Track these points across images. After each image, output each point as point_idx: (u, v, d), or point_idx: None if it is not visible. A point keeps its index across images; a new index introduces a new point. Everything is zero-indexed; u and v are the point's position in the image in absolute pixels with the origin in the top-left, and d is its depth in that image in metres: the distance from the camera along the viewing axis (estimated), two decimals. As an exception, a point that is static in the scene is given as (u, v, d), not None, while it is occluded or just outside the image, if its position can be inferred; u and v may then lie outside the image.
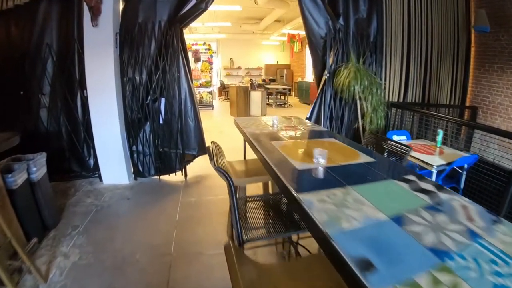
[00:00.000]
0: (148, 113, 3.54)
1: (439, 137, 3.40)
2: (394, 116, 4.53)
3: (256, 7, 9.40)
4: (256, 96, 8.77)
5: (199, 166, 4.08)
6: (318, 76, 4.26)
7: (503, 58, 4.81)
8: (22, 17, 3.45)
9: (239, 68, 15.35)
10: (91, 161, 3.86)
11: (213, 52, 10.93)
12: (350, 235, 0.93)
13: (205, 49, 10.49)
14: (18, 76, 3.49)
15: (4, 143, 2.47)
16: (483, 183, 3.22)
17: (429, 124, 4.62)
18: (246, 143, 2.53)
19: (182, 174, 3.85)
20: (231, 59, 15.15)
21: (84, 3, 3.17)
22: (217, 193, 3.46)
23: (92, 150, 3.76)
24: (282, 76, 15.07)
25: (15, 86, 3.50)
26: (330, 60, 4.05)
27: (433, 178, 2.86)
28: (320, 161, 1.56)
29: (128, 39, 3.40)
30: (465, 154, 3.17)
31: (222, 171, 1.42)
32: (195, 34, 12.53)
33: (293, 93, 14.47)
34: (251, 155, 2.50)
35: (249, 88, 8.95)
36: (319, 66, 4.21)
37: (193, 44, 10.37)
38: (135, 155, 3.75)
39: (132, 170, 3.85)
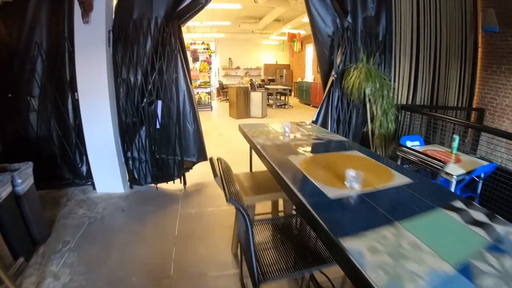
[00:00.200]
0: (143, 117, 3.28)
1: (455, 143, 3.20)
2: (403, 119, 4.31)
3: (256, 6, 9.19)
4: (256, 97, 8.52)
5: (199, 172, 3.83)
6: (325, 76, 4.02)
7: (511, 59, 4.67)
8: (10, 14, 3.19)
9: (238, 68, 15.11)
10: (84, 168, 3.60)
11: (212, 52, 10.67)
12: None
13: (204, 49, 10.22)
14: (5, 77, 3.24)
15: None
16: (500, 191, 3.03)
17: (437, 127, 4.45)
18: (253, 152, 2.29)
19: (180, 182, 3.59)
20: (229, 59, 14.90)
21: (75, -2, 2.92)
22: (219, 204, 3.20)
23: (84, 157, 3.51)
24: (281, 76, 14.85)
25: (2, 87, 3.25)
26: (338, 60, 3.81)
27: (452, 188, 2.66)
28: (354, 186, 1.30)
29: (122, 37, 3.14)
30: (484, 162, 2.98)
31: (239, 207, 1.16)
32: (193, 33, 12.32)
33: (292, 93, 14.24)
34: (257, 165, 2.27)
35: (249, 89, 8.70)
36: (326, 66, 3.97)
37: (191, 44, 10.11)
38: (130, 162, 3.50)
39: (128, 177, 3.59)
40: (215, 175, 1.54)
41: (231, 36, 13.17)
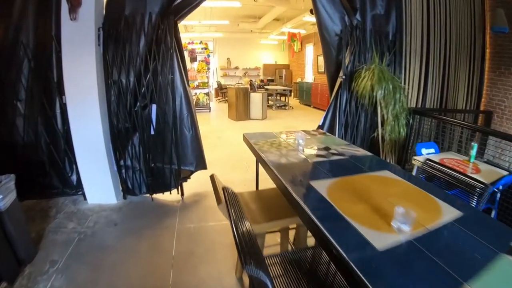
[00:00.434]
0: (137, 122, 3.00)
1: (473, 152, 2.97)
2: (415, 124, 4.07)
3: (255, 5, 8.96)
4: (256, 98, 8.25)
5: (197, 180, 3.55)
6: (332, 78, 3.76)
7: (521, 60, 4.50)
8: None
9: (236, 68, 14.85)
10: (74, 177, 3.34)
11: (210, 52, 10.40)
12: None
13: (202, 48, 9.94)
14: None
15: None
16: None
17: (446, 131, 4.25)
18: (260, 166, 2.02)
19: (178, 193, 3.32)
20: (228, 59, 14.64)
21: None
22: (220, 218, 2.92)
23: (74, 165, 3.24)
24: (281, 76, 14.61)
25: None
26: (347, 60, 3.55)
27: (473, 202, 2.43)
28: (404, 229, 1.02)
29: (113, 35, 2.87)
30: (504, 172, 2.75)
31: (260, 275, 0.86)
32: (191, 33, 12.06)
33: (292, 94, 13.99)
34: (263, 178, 2.01)
35: (249, 90, 8.43)
36: (333, 66, 3.72)
37: (189, 43, 9.83)
38: (124, 171, 3.22)
39: (121, 187, 3.32)
40: (218, 201, 1.27)
41: (229, 36, 12.93)
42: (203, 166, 3.26)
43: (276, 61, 15.43)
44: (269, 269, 1.35)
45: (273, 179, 1.67)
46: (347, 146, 2.26)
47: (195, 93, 10.46)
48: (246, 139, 2.44)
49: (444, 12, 4.19)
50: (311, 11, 8.64)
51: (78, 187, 3.33)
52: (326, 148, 2.15)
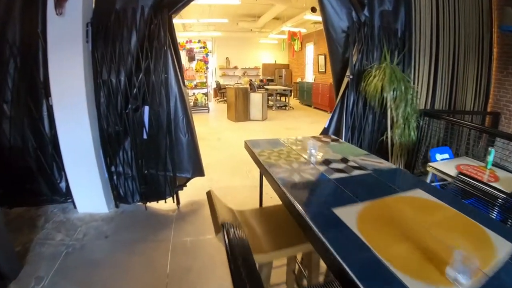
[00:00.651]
0: (128, 126, 2.77)
1: (491, 157, 2.78)
2: (424, 126, 3.87)
3: (255, 3, 8.77)
4: (256, 99, 8.02)
5: (194, 187, 3.33)
6: (338, 77, 3.54)
7: (529, 60, 4.32)
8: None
9: (235, 68, 14.62)
10: (63, 184, 3.11)
11: (209, 51, 10.17)
12: None
13: (200, 47, 9.71)
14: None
15: None
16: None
17: (454, 132, 4.07)
18: (264, 179, 1.79)
19: (173, 202, 3.08)
20: (227, 58, 14.41)
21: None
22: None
23: (63, 172, 3.01)
24: (280, 76, 14.39)
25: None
26: (354, 59, 3.33)
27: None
28: (462, 281, 0.77)
29: (102, 31, 2.64)
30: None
31: None
32: (189, 32, 11.84)
33: (292, 94, 13.77)
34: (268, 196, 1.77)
35: (249, 90, 8.20)
36: (339, 65, 3.50)
37: (187, 42, 9.60)
38: (115, 178, 2.99)
39: (113, 195, 3.09)
40: (216, 230, 1.05)
41: (228, 35, 12.72)
42: (200, 173, 3.03)
43: (275, 61, 15.21)
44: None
45: (285, 204, 1.39)
46: (366, 156, 1.96)
47: (193, 93, 10.22)
48: (248, 147, 2.16)
49: (453, 9, 3.99)
50: (312, 9, 8.43)
51: (67, 195, 3.11)
52: (344, 160, 1.85)
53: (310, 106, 11.01)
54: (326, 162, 1.81)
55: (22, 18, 2.75)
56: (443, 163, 2.95)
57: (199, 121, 8.28)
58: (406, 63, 3.57)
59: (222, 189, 3.53)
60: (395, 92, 3.03)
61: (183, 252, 2.43)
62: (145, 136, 2.75)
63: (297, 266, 1.77)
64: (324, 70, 11.28)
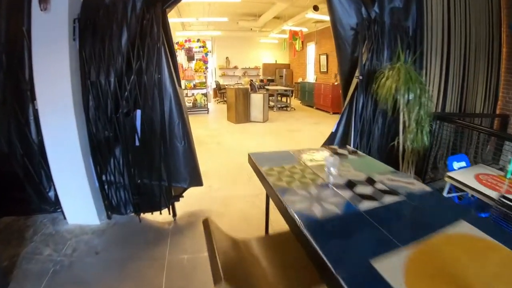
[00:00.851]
0: (119, 131, 2.53)
1: (511, 166, 2.57)
2: (437, 131, 3.65)
3: (256, 2, 8.55)
4: (257, 100, 7.78)
5: (192, 195, 3.09)
6: (346, 78, 3.31)
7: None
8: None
9: (235, 67, 14.38)
10: (52, 194, 2.89)
11: (208, 51, 9.93)
12: None
13: (199, 47, 9.47)
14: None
15: None
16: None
17: (464, 136, 3.87)
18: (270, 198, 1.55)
19: (169, 213, 2.84)
20: (227, 58, 14.17)
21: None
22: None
23: (52, 180, 2.79)
24: (281, 76, 14.17)
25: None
26: (364, 58, 3.10)
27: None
28: None
29: (90, 28, 2.40)
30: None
31: None
32: (188, 31, 11.63)
33: (293, 94, 13.54)
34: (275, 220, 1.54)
35: (249, 90, 7.96)
36: (347, 65, 3.26)
37: (186, 41, 9.36)
38: (106, 187, 2.76)
39: (105, 205, 2.86)
40: (216, 280, 0.82)
41: (228, 34, 12.49)
42: (198, 182, 2.79)
43: (276, 61, 14.98)
44: None
45: (309, 252, 1.07)
46: (393, 175, 1.66)
47: (193, 94, 9.99)
48: (252, 162, 1.87)
49: (464, 6, 3.77)
50: (314, 8, 8.19)
51: (57, 204, 2.88)
52: (370, 181, 1.55)
53: (311, 106, 10.78)
54: (350, 184, 1.50)
55: (7, 15, 2.53)
56: (461, 173, 2.73)
57: (198, 122, 8.06)
58: (418, 63, 3.34)
59: (222, 199, 3.30)
60: (409, 95, 2.79)
61: (180, 272, 2.19)
62: (137, 143, 2.51)
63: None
64: (326, 70, 11.05)
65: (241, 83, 12.49)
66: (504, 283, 0.82)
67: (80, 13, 2.45)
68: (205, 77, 9.82)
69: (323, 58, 11.15)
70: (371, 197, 1.35)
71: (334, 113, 9.25)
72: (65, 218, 2.86)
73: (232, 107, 7.79)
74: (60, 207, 2.84)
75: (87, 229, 2.75)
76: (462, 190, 2.61)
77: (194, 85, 9.64)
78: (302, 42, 11.72)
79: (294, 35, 10.42)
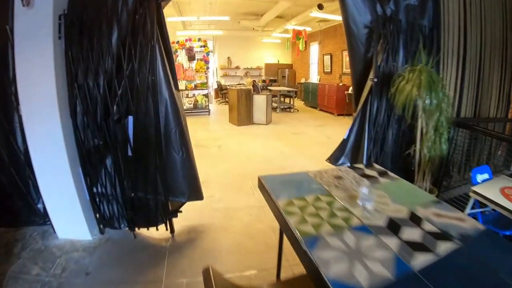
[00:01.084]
0: (109, 139, 2.28)
1: None
2: (456, 138, 3.40)
3: (258, 0, 8.31)
4: (260, 101, 7.53)
5: (192, 207, 2.83)
6: (358, 80, 3.05)
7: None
8: None
9: (237, 68, 14.13)
10: (41, 206, 2.66)
11: (210, 51, 9.69)
12: None
13: (201, 46, 9.22)
14: None
15: None
16: None
17: (477, 144, 3.67)
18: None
19: (166, 229, 2.59)
20: (228, 58, 13.92)
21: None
22: (223, 268, 2.19)
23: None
24: (283, 77, 13.89)
25: None
26: (379, 59, 2.84)
27: None
28: None
29: (77, 25, 2.15)
30: None
31: None
32: (189, 30, 11.40)
33: (297, 95, 13.28)
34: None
35: (252, 91, 7.70)
36: (359, 65, 3.01)
37: (186, 40, 9.11)
38: (98, 200, 2.52)
39: (97, 219, 2.62)
40: None
41: (230, 34, 12.26)
42: (198, 196, 2.52)
43: (278, 61, 14.71)
44: None
45: None
46: (436, 206, 1.35)
47: (194, 94, 9.74)
48: (265, 190, 1.52)
49: (479, 5, 3.52)
50: (319, 6, 7.93)
51: (46, 216, 2.65)
52: (414, 219, 1.23)
53: (315, 108, 10.52)
54: (393, 226, 1.18)
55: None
56: (486, 187, 2.47)
57: (198, 124, 7.81)
58: (433, 65, 3.09)
59: (224, 211, 3.04)
60: (431, 100, 2.53)
61: (176, 300, 1.94)
62: (130, 153, 2.26)
63: None
64: (329, 70, 10.79)
65: (243, 84, 12.23)
66: None
67: (66, 8, 2.20)
68: (206, 77, 9.57)
69: (327, 58, 10.89)
70: (422, 246, 1.05)
71: (338, 115, 8.99)
72: (55, 232, 2.64)
73: (234, 108, 7.54)
74: (50, 220, 2.62)
75: (78, 245, 2.52)
76: (485, 204, 2.37)
77: (195, 86, 9.39)
78: (306, 41, 11.47)
79: (297, 34, 10.16)
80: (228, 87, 9.75)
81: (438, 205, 1.34)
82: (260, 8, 9.53)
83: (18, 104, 2.35)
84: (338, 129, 7.04)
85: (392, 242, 1.07)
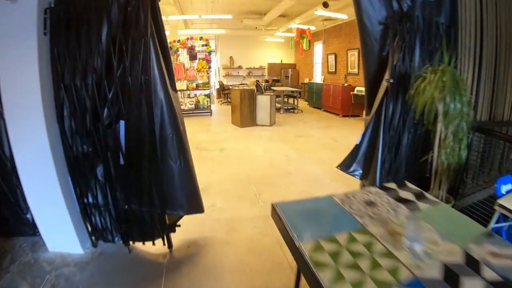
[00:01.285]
0: (99, 146, 2.06)
1: None
2: (475, 144, 3.17)
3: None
4: (264, 102, 7.30)
5: (192, 218, 2.60)
6: (372, 80, 2.82)
7: None
8: None
9: (239, 67, 13.91)
10: (30, 216, 2.47)
11: (212, 50, 9.47)
12: None
13: (202, 45, 9.00)
14: None
15: None
16: None
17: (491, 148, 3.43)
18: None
19: (164, 244, 2.36)
20: (231, 57, 13.71)
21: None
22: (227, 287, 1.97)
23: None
24: (287, 77, 13.67)
25: None
26: (395, 59, 2.61)
27: None
28: None
29: (64, 20, 1.93)
30: None
31: None
32: (191, 29, 11.21)
33: (301, 95, 13.04)
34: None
35: (255, 92, 7.48)
36: (374, 65, 2.78)
37: (188, 39, 8.90)
38: (89, 211, 2.31)
39: (89, 231, 2.41)
40: None
41: (232, 33, 12.07)
42: (198, 209, 2.28)
43: (281, 60, 14.49)
44: None
45: None
46: (490, 241, 1.10)
47: (195, 95, 9.53)
48: (282, 224, 1.20)
49: (495, 3, 3.29)
50: (324, 4, 7.70)
51: (36, 227, 2.46)
52: (470, 262, 0.99)
53: (319, 108, 10.28)
54: (450, 277, 0.92)
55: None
56: (510, 198, 2.25)
57: (200, 126, 7.59)
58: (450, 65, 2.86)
59: (227, 222, 2.81)
60: (455, 104, 2.29)
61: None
62: (121, 162, 2.04)
63: None
64: (334, 70, 10.55)
65: (246, 84, 12.02)
66: None
67: (52, 1, 1.99)
68: (208, 77, 9.36)
69: (331, 58, 10.65)
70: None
71: (344, 116, 8.75)
72: (45, 244, 2.45)
73: (237, 109, 7.31)
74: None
75: (69, 260, 2.33)
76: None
77: (197, 86, 9.18)
78: (310, 41, 11.23)
79: (301, 33, 9.92)
80: (230, 87, 9.54)
81: (491, 239, 1.09)
82: (263, 7, 9.34)
83: (1, 107, 2.16)
84: (344, 131, 6.81)
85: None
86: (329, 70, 10.91)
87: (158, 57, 1.89)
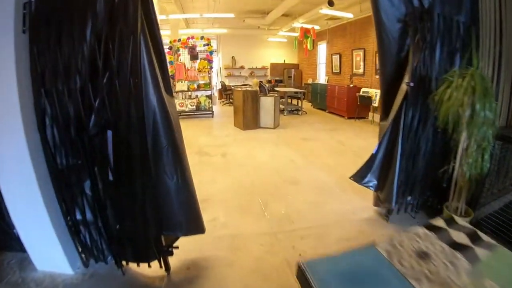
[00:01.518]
0: (85, 159, 1.82)
1: None
2: (497, 153, 2.93)
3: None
4: (267, 103, 7.05)
5: (191, 238, 2.34)
6: (388, 82, 2.58)
7: None
8: None
9: (241, 67, 13.69)
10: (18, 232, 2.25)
11: (213, 50, 9.24)
12: None
13: (204, 45, 8.76)
14: None
15: None
16: None
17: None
18: None
19: (161, 267, 2.10)
20: (233, 57, 13.48)
21: None
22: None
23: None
24: (290, 77, 13.43)
25: None
26: (416, 60, 2.37)
27: None
28: None
29: (44, 15, 1.70)
30: None
31: None
32: (192, 29, 11.00)
33: (305, 96, 12.79)
34: None
35: (258, 93, 7.23)
36: (391, 66, 2.54)
37: (188, 38, 8.66)
38: (77, 229, 2.08)
39: (80, 250, 2.18)
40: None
41: (234, 32, 11.86)
42: (198, 229, 2.03)
43: (284, 60, 14.24)
44: None
45: None
46: None
47: (196, 96, 9.29)
48: (302, 275, 0.96)
49: None
50: (329, 3, 7.44)
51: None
52: None
53: (324, 110, 10.02)
54: None
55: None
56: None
57: (201, 128, 7.35)
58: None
59: (230, 239, 2.54)
60: (484, 110, 2.04)
61: None
62: (110, 177, 1.80)
63: None
64: (338, 70, 10.29)
65: (249, 84, 11.77)
66: None
67: (32, -5, 1.75)
68: (210, 77, 9.12)
69: (335, 58, 10.39)
70: None
71: (349, 118, 8.50)
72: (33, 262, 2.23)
73: (239, 111, 7.07)
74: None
75: (58, 281, 2.12)
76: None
77: (198, 86, 8.94)
78: (313, 40, 10.97)
79: (305, 33, 9.67)
80: (232, 87, 9.30)
81: None
82: (266, 6, 9.13)
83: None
84: (351, 134, 6.55)
85: None
86: (334, 71, 10.65)
87: (150, 57, 1.64)
